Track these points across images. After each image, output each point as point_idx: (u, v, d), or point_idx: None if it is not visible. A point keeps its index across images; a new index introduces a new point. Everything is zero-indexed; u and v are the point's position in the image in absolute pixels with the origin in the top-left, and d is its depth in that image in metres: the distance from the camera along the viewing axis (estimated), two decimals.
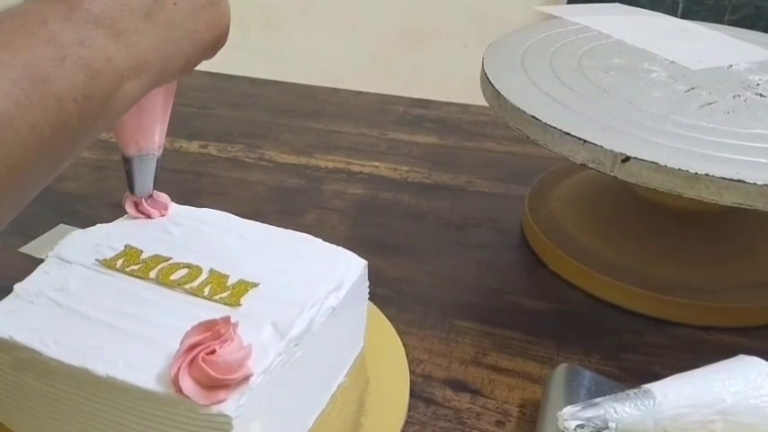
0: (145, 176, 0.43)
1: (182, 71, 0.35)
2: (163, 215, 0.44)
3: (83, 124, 0.28)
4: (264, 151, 0.76)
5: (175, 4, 0.33)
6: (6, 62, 0.26)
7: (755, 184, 0.41)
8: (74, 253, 0.40)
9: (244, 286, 0.37)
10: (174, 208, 0.45)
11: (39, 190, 0.30)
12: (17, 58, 0.26)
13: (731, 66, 0.59)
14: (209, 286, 0.37)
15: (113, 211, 0.44)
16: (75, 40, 0.28)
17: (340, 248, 0.42)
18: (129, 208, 0.44)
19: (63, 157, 0.29)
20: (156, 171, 0.43)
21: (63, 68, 0.27)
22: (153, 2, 0.32)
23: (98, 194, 0.65)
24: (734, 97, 0.53)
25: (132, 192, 0.43)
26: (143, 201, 0.43)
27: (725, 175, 0.42)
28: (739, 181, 0.41)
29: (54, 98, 0.27)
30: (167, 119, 0.42)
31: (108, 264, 0.39)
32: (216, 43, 0.36)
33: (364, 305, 0.44)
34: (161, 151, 0.43)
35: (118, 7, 0.30)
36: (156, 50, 0.32)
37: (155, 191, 0.44)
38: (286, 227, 0.44)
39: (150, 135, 0.41)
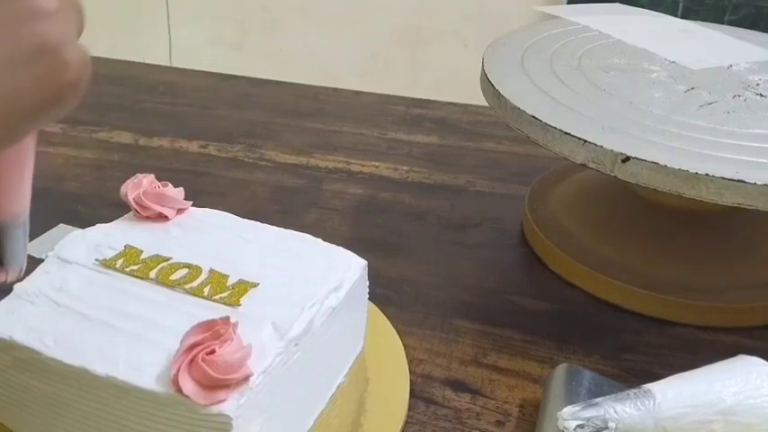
0: (17, 248, 0.35)
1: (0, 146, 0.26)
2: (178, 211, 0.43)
3: None
4: (264, 151, 0.76)
5: None
6: None
7: (755, 184, 0.41)
8: (74, 253, 0.40)
9: (243, 286, 0.37)
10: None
11: None
12: None
13: (731, 66, 0.59)
14: (208, 286, 0.37)
15: (113, 211, 0.44)
16: None
17: (340, 248, 0.42)
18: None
19: None
20: (25, 240, 0.35)
21: None
22: None
23: (98, 194, 0.65)
24: (734, 97, 0.53)
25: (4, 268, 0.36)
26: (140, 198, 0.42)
27: (725, 175, 0.42)
28: (739, 181, 0.41)
29: None
30: (29, 177, 0.34)
31: (108, 264, 0.39)
32: (54, 103, 0.26)
33: (364, 305, 0.44)
34: (25, 216, 0.35)
35: None
36: None
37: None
38: (286, 227, 0.44)
39: (9, 200, 0.34)
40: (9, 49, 0.24)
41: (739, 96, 0.53)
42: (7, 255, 0.35)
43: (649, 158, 0.43)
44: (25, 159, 0.33)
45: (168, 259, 0.39)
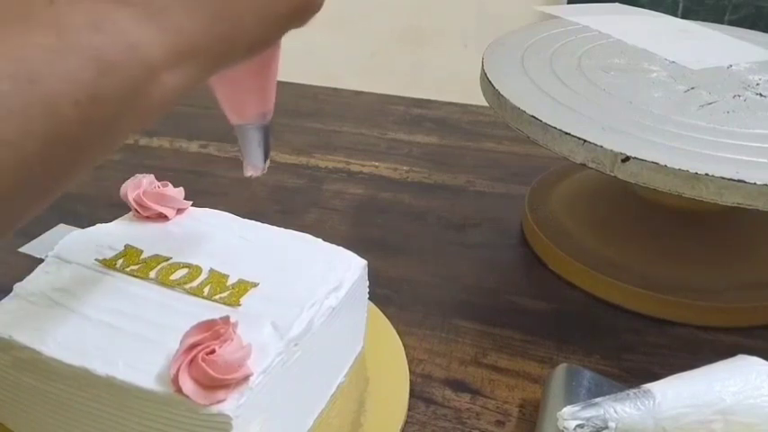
0: (251, 148, 0.37)
1: (249, 52, 0.28)
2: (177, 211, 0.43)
3: (89, 131, 0.23)
4: None
5: None
6: None
7: (755, 183, 0.41)
8: (74, 253, 0.40)
9: (243, 286, 0.37)
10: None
11: (39, 209, 0.24)
12: (2, 50, 0.21)
13: (731, 66, 0.59)
14: (208, 286, 0.37)
15: (113, 211, 0.44)
16: (87, 25, 0.22)
17: (340, 248, 0.42)
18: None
19: (67, 172, 0.24)
20: (265, 143, 0.37)
21: (61, 63, 0.21)
22: None
23: (98, 194, 0.65)
24: (734, 97, 0.53)
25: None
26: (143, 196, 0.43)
27: (725, 175, 0.42)
28: (739, 181, 0.41)
29: (44, 103, 0.21)
30: (270, 87, 0.36)
31: (108, 264, 0.39)
32: (299, 11, 0.29)
33: (364, 305, 0.44)
34: (267, 119, 0.37)
35: None
36: (207, 31, 0.25)
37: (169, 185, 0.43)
38: (286, 227, 0.44)
39: (242, 104, 0.36)
40: None
41: (739, 96, 0.53)
42: (246, 158, 0.37)
43: (649, 158, 0.43)
44: (271, 64, 0.35)
45: (168, 259, 0.39)
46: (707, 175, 0.42)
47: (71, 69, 0.22)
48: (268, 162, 0.38)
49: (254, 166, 0.38)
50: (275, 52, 0.35)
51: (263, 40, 0.28)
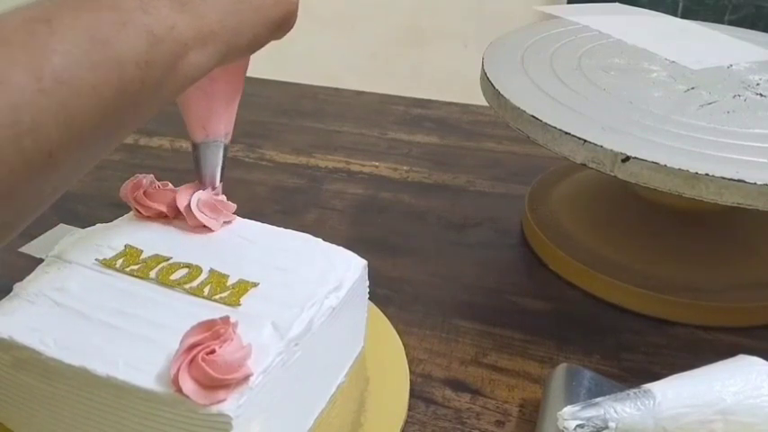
0: (212, 165, 0.42)
1: (249, 47, 0.35)
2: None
3: (145, 90, 0.29)
4: (264, 151, 0.76)
5: None
6: (68, 24, 0.26)
7: (755, 183, 0.41)
8: (74, 253, 0.40)
9: (243, 286, 0.37)
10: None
11: (102, 155, 0.30)
12: (78, 20, 0.27)
13: (731, 65, 0.59)
14: (208, 286, 0.37)
15: (113, 211, 0.44)
16: (137, 7, 0.29)
17: (340, 248, 0.42)
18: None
19: (125, 123, 0.30)
20: (224, 160, 0.42)
21: (125, 33, 0.28)
22: None
23: (98, 194, 0.65)
24: (734, 97, 0.53)
25: (200, 180, 0.43)
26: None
27: (725, 175, 0.42)
28: (739, 180, 0.41)
29: (115, 61, 0.27)
30: (235, 107, 0.42)
31: (108, 263, 0.39)
32: (283, 22, 0.36)
33: (364, 305, 0.44)
34: (229, 138, 0.42)
35: None
36: (222, 23, 0.32)
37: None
38: (286, 227, 0.44)
39: (216, 119, 0.41)
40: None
41: (739, 96, 0.53)
42: (204, 173, 0.42)
43: (649, 158, 0.43)
44: (234, 91, 0.41)
45: (168, 259, 0.39)
46: (707, 175, 0.42)
47: (131, 38, 0.28)
48: (222, 183, 0.43)
49: (211, 184, 0.42)
50: (244, 67, 0.41)
51: (259, 39, 0.35)
